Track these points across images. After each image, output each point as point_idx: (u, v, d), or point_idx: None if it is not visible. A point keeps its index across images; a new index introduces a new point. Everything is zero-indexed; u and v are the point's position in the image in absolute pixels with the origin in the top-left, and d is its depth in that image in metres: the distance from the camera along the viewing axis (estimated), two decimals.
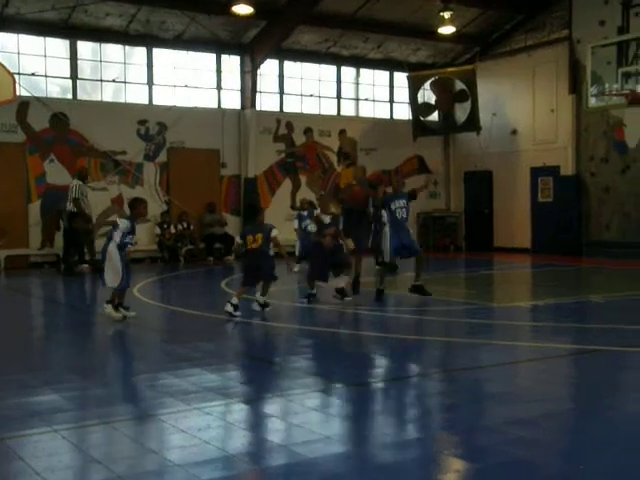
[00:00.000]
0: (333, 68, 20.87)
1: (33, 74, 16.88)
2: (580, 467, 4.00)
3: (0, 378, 6.09)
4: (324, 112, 20.81)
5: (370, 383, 6.07)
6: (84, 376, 6.24)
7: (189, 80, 18.74)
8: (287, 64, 20.10)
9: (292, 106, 20.32)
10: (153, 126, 18.03)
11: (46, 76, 17.16)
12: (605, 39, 16.99)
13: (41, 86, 17.13)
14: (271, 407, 5.31)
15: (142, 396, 5.70)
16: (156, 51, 18.29)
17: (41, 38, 16.91)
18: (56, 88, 17.61)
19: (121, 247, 8.84)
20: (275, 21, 17.98)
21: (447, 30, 18.97)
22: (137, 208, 9.13)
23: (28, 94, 16.40)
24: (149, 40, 18.00)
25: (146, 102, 18.21)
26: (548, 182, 19.69)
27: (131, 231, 8.93)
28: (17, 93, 15.28)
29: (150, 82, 18.26)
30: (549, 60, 19.46)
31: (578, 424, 4.86)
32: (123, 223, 8.85)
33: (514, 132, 20.45)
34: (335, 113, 21.02)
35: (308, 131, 20.18)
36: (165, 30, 17.89)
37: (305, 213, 15.25)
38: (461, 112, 20.49)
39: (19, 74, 16.16)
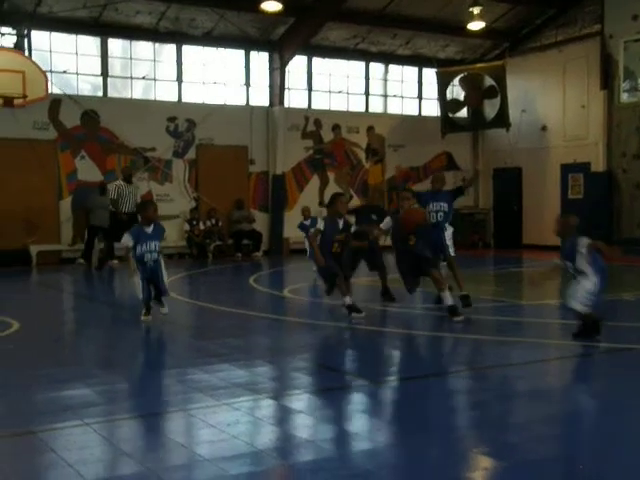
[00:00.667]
0: (361, 64, 20.82)
1: (65, 72, 17.06)
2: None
3: (33, 373, 6.19)
4: (352, 109, 20.77)
5: (398, 380, 6.06)
6: (114, 371, 6.31)
7: (218, 77, 18.82)
8: (315, 61, 20.10)
9: (320, 103, 20.31)
10: (182, 123, 18.13)
11: (77, 74, 17.33)
12: (638, 34, 16.76)
13: (72, 84, 17.31)
14: (299, 403, 5.32)
15: (172, 391, 5.74)
16: (185, 48, 18.39)
17: (72, 36, 17.09)
18: (87, 86, 17.78)
19: (139, 259, 8.43)
20: (303, 18, 17.99)
21: (476, 26, 18.82)
22: (145, 212, 8.70)
23: (60, 92, 16.59)
24: (178, 37, 18.10)
25: (175, 99, 18.33)
26: (579, 179, 19.48)
27: (146, 238, 8.42)
28: (49, 91, 15.61)
29: (179, 79, 18.37)
30: (580, 56, 19.23)
31: (608, 422, 4.81)
32: (125, 238, 8.51)
33: (544, 128, 20.25)
34: (363, 110, 20.98)
35: (336, 128, 20.17)
36: (194, 27, 17.99)
37: (307, 222, 14.45)
38: (490, 108, 20.37)
39: (51, 72, 16.38)
